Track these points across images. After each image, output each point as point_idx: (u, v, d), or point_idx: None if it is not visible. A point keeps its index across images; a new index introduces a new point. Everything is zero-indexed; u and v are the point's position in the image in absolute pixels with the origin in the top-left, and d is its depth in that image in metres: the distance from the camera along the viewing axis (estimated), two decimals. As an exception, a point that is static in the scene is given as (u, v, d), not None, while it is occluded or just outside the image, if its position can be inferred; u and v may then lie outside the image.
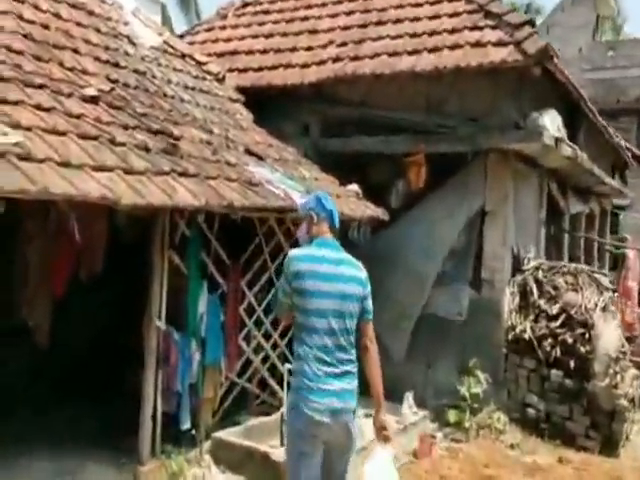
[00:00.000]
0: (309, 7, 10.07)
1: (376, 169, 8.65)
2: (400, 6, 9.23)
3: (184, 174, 5.35)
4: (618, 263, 13.26)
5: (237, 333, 6.31)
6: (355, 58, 8.53)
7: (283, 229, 6.71)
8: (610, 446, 7.28)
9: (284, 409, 4.40)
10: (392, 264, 8.24)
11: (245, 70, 9.19)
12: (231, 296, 6.26)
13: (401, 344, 8.10)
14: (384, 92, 8.42)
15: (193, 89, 7.83)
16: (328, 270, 3.64)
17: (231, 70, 9.18)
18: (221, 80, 8.68)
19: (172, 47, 8.39)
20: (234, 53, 9.66)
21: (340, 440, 3.63)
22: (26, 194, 3.84)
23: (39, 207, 5.77)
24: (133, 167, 4.87)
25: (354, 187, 7.97)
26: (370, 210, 7.57)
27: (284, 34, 9.62)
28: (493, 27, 8.00)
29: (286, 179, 6.60)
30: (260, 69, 9.05)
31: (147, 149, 5.35)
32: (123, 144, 5.16)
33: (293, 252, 3.79)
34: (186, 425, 5.69)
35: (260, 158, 7.05)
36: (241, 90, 8.80)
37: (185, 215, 5.67)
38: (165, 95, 7.06)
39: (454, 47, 7.97)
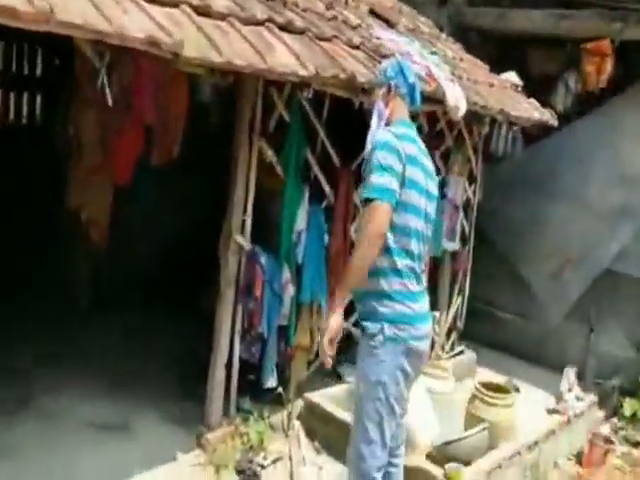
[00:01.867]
0: None
1: (539, 56, 6.57)
2: None
3: (286, 28, 3.61)
4: None
5: (345, 261, 4.67)
6: None
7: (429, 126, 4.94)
8: None
9: (370, 342, 2.91)
10: (557, 191, 6.31)
11: None
12: (340, 211, 4.59)
13: (561, 305, 6.27)
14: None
15: None
16: (426, 162, 3.09)
17: None
18: None
19: None
20: None
21: (421, 368, 3.16)
22: (22, 20, 2.24)
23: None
24: (211, 5, 3.17)
25: (513, 76, 5.98)
26: (538, 112, 5.59)
27: None
28: None
29: (428, 54, 4.72)
30: None
31: (236, -13, 3.63)
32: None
33: (399, 129, 3.01)
34: (270, 381, 4.21)
35: (389, 23, 5.18)
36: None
37: (284, 90, 3.99)
38: None
39: None
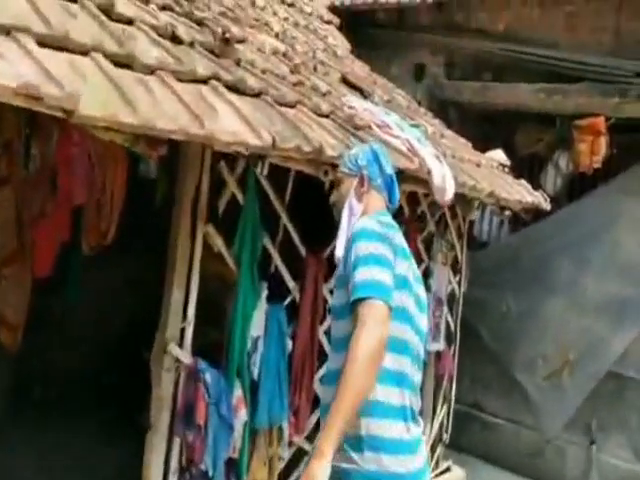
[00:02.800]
0: None
1: (526, 134, 6.02)
2: None
3: (237, 88, 2.88)
4: None
5: (313, 371, 3.82)
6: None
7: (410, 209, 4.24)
8: None
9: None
10: (551, 281, 5.62)
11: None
12: (306, 309, 3.76)
13: (560, 412, 5.47)
14: (545, 19, 5.74)
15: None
16: (412, 260, 2.36)
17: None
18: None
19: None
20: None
21: None
22: None
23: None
24: (135, 55, 2.43)
25: (499, 155, 5.36)
26: (529, 194, 4.94)
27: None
28: None
29: (409, 127, 4.05)
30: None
31: (175, 37, 2.91)
32: (129, 20, 2.74)
33: (382, 218, 2.35)
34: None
35: (363, 93, 4.53)
36: (334, 11, 6.31)
37: (237, 164, 3.25)
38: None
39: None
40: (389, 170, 2.53)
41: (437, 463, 5.26)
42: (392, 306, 2.08)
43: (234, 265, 3.33)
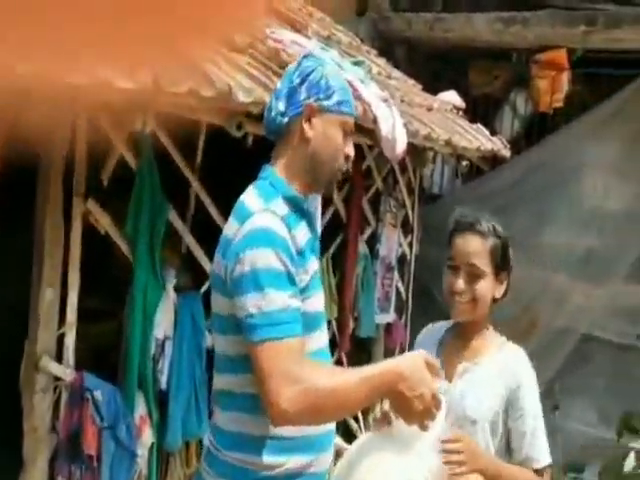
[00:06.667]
0: None
1: (480, 73, 5.33)
2: None
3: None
4: None
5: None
6: None
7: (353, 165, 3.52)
8: None
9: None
10: (510, 235, 5.02)
11: None
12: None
13: None
14: None
15: None
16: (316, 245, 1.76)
17: None
18: None
19: None
20: None
21: None
22: None
23: None
24: None
25: (453, 96, 4.67)
26: (489, 141, 4.30)
27: None
28: None
29: (350, 65, 3.30)
30: None
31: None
32: None
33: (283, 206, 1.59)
34: None
35: (296, 27, 3.75)
36: None
37: (126, 121, 2.46)
38: None
39: None
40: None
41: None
42: (300, 335, 1.48)
43: (128, 250, 2.58)
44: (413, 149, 3.84)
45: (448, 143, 3.76)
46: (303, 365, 1.46)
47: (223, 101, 2.11)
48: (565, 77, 4.95)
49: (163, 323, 2.71)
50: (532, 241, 5.11)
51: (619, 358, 4.78)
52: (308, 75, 1.60)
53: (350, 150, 1.68)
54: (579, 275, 4.95)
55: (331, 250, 3.92)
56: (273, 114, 1.60)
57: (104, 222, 2.51)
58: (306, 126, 1.58)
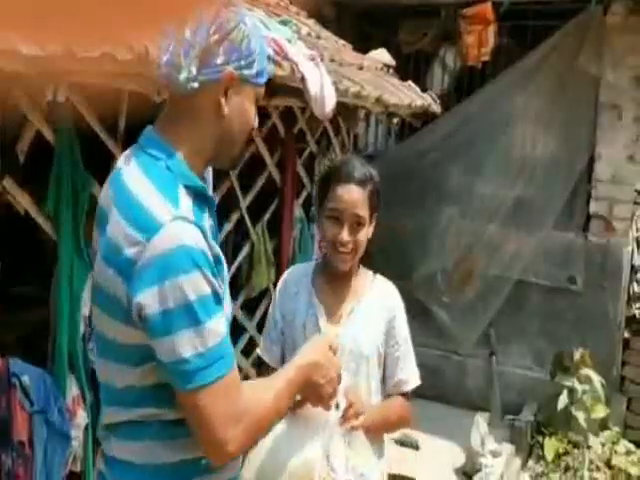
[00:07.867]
0: None
1: (409, 31, 5.31)
2: None
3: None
4: None
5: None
6: None
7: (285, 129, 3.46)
8: None
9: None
10: (446, 192, 5.09)
11: None
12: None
13: (470, 328, 5.09)
14: None
15: None
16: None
17: None
18: None
19: None
20: None
21: None
22: None
23: None
24: None
25: (383, 54, 4.63)
26: (419, 98, 4.28)
27: None
28: None
29: (276, 25, 3.20)
30: None
31: None
32: None
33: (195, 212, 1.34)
34: None
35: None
36: None
37: (39, 92, 2.32)
38: None
39: None
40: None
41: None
42: (234, 362, 1.34)
43: (50, 228, 2.47)
44: (344, 108, 3.80)
45: (379, 100, 3.72)
46: (240, 397, 1.31)
47: (141, 65, 2.00)
48: (492, 30, 4.96)
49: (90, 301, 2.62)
50: (466, 193, 5.19)
51: (551, 301, 4.93)
52: (228, 34, 1.32)
53: (256, 122, 1.47)
54: (511, 224, 5.05)
55: (267, 216, 3.87)
56: (182, 76, 1.30)
57: (23, 200, 2.38)
58: (222, 100, 1.34)
